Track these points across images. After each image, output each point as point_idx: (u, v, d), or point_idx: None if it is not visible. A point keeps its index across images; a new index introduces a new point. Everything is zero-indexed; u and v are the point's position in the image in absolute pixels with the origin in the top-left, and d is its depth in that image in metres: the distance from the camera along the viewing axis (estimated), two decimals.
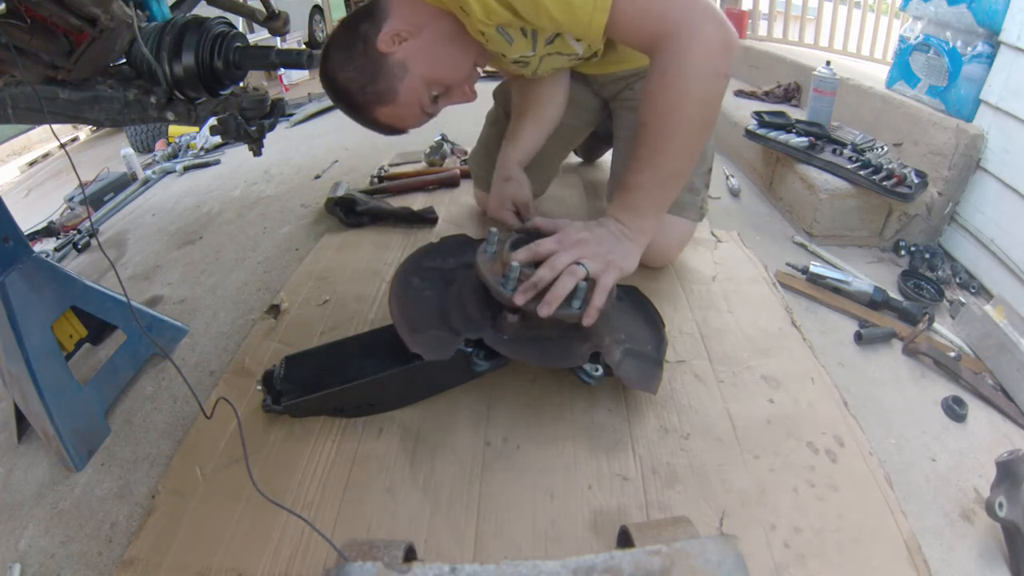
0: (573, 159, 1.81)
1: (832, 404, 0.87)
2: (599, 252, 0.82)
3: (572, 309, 0.78)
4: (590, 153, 1.80)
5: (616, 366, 0.81)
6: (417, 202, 1.58)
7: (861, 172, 1.41)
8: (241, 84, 1.01)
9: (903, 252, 1.41)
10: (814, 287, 1.25)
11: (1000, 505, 0.74)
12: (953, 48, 1.44)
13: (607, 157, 1.76)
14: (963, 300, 1.24)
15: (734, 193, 1.76)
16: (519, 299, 0.77)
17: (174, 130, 2.79)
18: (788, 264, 1.31)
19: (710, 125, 0.86)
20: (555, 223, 0.88)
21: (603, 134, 1.46)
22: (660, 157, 0.84)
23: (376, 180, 1.78)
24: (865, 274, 1.31)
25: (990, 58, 1.34)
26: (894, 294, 1.24)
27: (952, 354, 1.06)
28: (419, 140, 2.12)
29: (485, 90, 1.20)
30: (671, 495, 0.74)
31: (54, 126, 1.04)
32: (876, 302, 1.20)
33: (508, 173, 1.21)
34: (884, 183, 1.36)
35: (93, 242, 1.74)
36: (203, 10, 1.12)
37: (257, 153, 1.07)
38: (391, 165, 1.93)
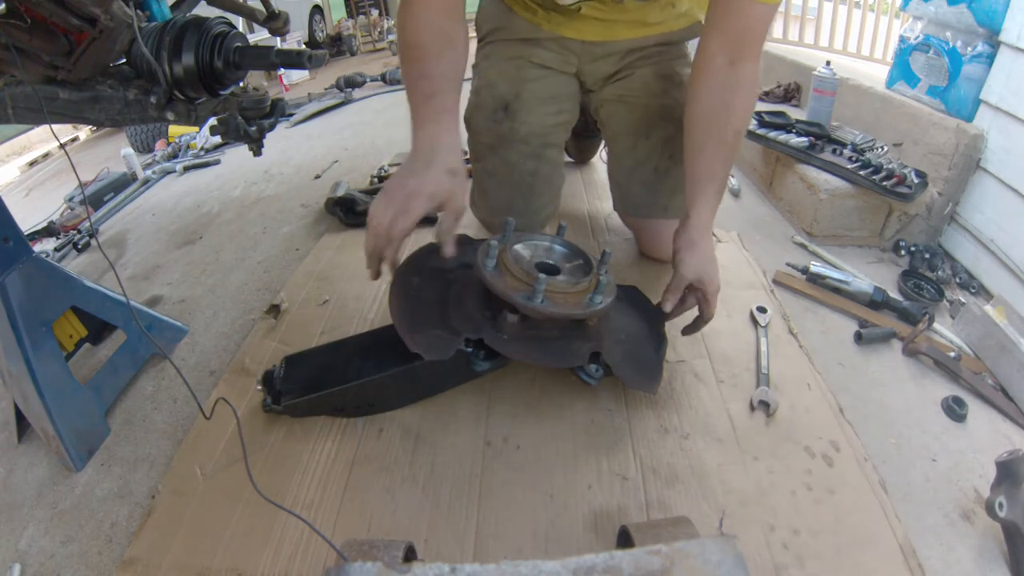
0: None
1: (828, 410, 0.86)
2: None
3: (595, 305, 0.79)
4: (581, 154, 1.73)
5: (616, 366, 0.81)
6: None
7: (861, 172, 1.41)
8: (241, 84, 1.01)
9: (903, 252, 1.41)
10: (814, 287, 1.25)
11: (1000, 505, 0.74)
12: (953, 48, 1.44)
13: (600, 158, 1.74)
14: (963, 300, 1.24)
15: (734, 193, 1.76)
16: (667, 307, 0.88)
17: (174, 130, 2.79)
18: (788, 264, 1.31)
19: None
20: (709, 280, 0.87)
21: (580, 129, 1.31)
22: (725, 170, 0.91)
23: (376, 180, 1.78)
24: (865, 274, 1.31)
25: (990, 58, 1.34)
26: (894, 294, 1.24)
27: (952, 354, 1.06)
28: None
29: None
30: (671, 495, 0.74)
31: (54, 126, 1.04)
32: (876, 302, 1.20)
33: (455, 166, 0.80)
34: (884, 183, 1.36)
35: (93, 242, 1.74)
36: (203, 10, 1.12)
37: (257, 153, 1.07)
38: (391, 165, 1.93)
